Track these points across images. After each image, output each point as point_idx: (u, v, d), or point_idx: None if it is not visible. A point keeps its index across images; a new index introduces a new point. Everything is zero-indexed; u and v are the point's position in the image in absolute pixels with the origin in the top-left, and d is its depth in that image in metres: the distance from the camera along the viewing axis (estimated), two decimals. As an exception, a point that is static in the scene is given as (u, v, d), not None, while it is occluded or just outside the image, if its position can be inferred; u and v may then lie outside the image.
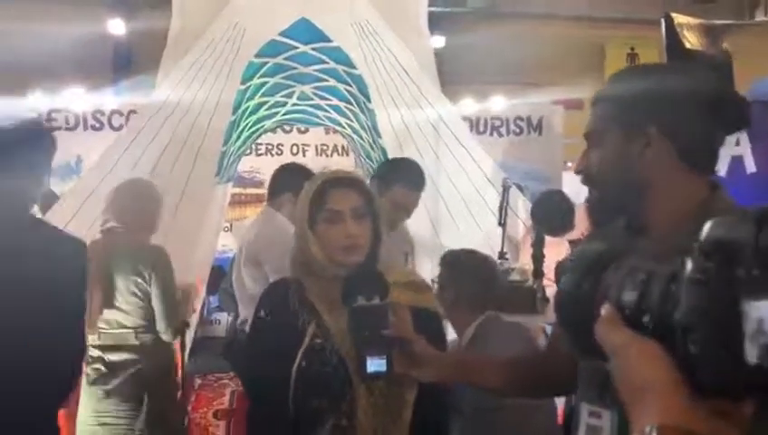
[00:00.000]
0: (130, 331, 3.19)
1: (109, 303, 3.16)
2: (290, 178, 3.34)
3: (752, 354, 0.54)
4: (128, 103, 5.96)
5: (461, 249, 2.91)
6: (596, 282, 0.75)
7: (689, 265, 0.59)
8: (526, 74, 8.83)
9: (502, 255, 3.73)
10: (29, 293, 2.01)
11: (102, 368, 3.17)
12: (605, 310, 0.70)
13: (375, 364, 1.44)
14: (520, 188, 4.92)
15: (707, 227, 0.60)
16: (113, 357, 3.18)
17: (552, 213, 3.46)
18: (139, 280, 3.17)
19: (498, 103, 6.76)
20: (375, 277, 1.56)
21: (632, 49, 9.70)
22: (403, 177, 3.08)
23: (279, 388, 1.68)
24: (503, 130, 6.47)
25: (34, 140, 2.27)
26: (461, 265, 2.77)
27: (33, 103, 5.94)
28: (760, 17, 8.90)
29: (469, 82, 8.48)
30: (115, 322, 3.18)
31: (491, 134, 6.52)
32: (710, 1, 8.94)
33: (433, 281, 2.75)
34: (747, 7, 8.94)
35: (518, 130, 6.51)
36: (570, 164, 6.31)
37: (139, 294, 3.18)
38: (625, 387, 0.66)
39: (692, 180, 1.23)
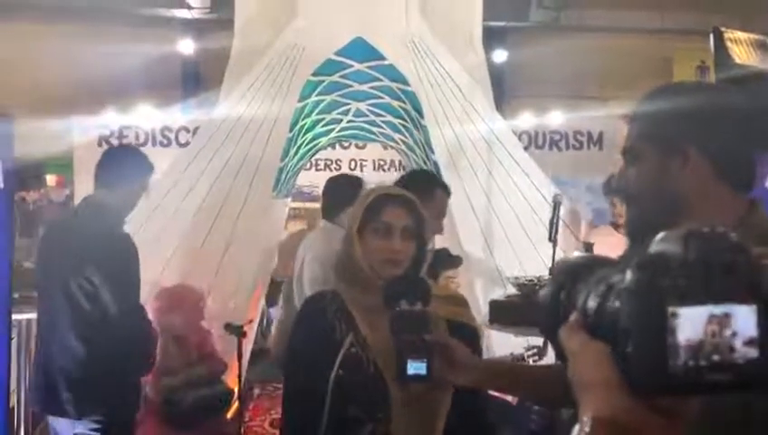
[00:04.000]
0: None
1: None
2: (347, 192, 3.33)
3: (672, 358, 0.59)
4: (194, 120, 6.18)
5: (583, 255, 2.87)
6: (570, 293, 0.81)
7: (627, 276, 0.65)
8: (590, 88, 8.71)
9: (552, 271, 3.71)
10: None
11: None
12: (572, 317, 0.77)
13: (414, 367, 1.45)
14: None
15: (653, 242, 0.65)
16: None
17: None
18: None
19: (558, 118, 6.71)
20: (418, 283, 1.60)
21: (702, 62, 9.27)
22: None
23: (316, 396, 1.72)
24: (562, 144, 6.42)
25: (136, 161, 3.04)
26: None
27: (105, 120, 6.24)
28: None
29: (531, 96, 8.42)
30: None
31: (551, 148, 6.47)
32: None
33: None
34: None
35: (578, 145, 6.45)
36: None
37: None
38: (575, 385, 0.72)
39: (730, 198, 1.22)
